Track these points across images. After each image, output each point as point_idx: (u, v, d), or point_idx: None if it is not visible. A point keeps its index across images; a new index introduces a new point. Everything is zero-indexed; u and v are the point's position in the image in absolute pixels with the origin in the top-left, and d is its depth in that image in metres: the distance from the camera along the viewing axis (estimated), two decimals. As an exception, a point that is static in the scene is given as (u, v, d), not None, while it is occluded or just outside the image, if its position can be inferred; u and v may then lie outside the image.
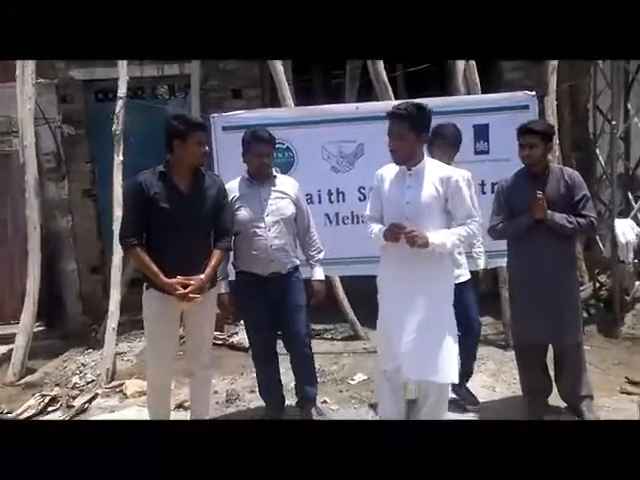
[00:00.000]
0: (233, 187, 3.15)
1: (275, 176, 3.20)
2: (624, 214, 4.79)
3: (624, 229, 4.61)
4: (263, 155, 3.08)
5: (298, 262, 3.23)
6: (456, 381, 2.75)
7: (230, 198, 3.08)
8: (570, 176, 3.00)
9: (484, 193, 4.16)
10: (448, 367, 2.66)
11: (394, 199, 2.70)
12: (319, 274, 3.28)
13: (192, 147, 2.72)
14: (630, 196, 4.98)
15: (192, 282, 2.74)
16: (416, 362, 2.63)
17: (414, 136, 2.61)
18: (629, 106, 5.01)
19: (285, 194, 3.16)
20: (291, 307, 3.18)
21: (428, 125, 2.68)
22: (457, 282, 3.17)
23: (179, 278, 2.73)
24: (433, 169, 2.69)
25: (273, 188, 3.16)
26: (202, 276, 2.79)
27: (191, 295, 2.73)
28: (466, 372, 3.43)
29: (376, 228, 2.75)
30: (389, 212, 2.73)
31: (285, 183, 3.22)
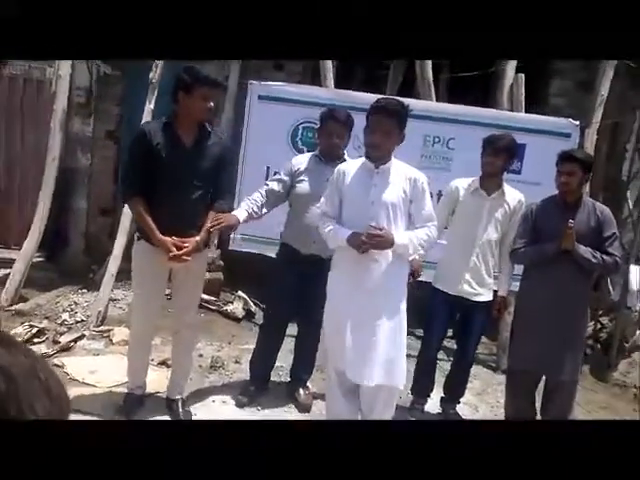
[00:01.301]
0: (302, 160, 3.14)
1: (345, 160, 3.12)
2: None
3: (638, 276, 4.54)
4: (334, 135, 3.03)
5: None
6: (401, 387, 2.69)
7: (295, 170, 3.07)
8: (602, 211, 2.94)
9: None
10: (398, 371, 2.60)
11: (358, 197, 2.61)
12: None
13: (197, 101, 2.63)
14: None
15: (186, 245, 2.68)
16: (365, 365, 2.56)
17: (397, 133, 2.56)
18: (668, 154, 4.90)
19: None
20: (318, 292, 3.09)
21: (405, 126, 2.61)
22: (475, 300, 3.15)
23: (174, 239, 2.67)
24: (400, 169, 2.63)
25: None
26: (197, 238, 2.73)
27: (184, 257, 2.69)
28: (457, 396, 3.41)
29: (336, 228, 2.63)
30: (351, 210, 2.63)
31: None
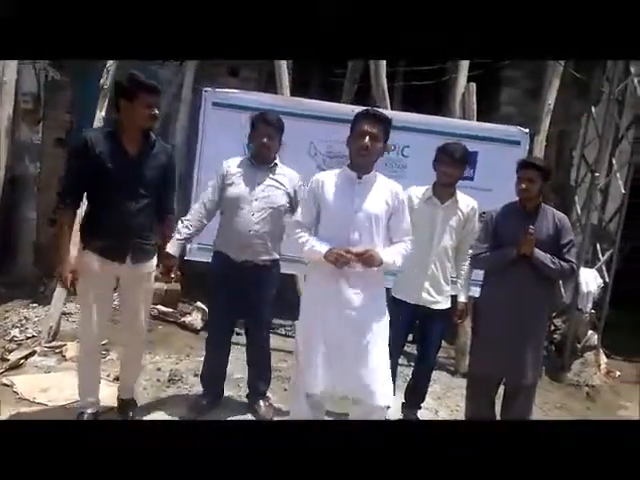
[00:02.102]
0: (233, 164, 3.09)
1: (276, 164, 3.10)
2: (590, 264, 4.88)
3: (588, 279, 4.69)
4: (265, 137, 3.00)
5: (277, 256, 3.15)
6: (391, 404, 2.65)
7: (225, 173, 3.04)
8: (560, 219, 3.01)
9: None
10: (384, 389, 2.57)
11: (340, 207, 2.56)
12: None
13: (139, 109, 2.59)
14: (598, 248, 5.07)
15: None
16: (352, 382, 2.54)
17: (383, 142, 2.57)
18: (614, 161, 5.10)
19: (281, 184, 3.08)
20: (257, 299, 3.11)
21: (388, 138, 2.63)
22: (434, 308, 3.17)
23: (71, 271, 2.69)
24: (381, 181, 2.63)
25: (271, 175, 3.07)
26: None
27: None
28: (418, 401, 3.43)
29: (313, 241, 2.57)
30: (332, 220, 2.58)
31: (285, 174, 3.12)
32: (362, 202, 2.55)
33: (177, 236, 3.02)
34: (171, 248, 3.01)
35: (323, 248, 2.52)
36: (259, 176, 3.05)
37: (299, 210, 2.73)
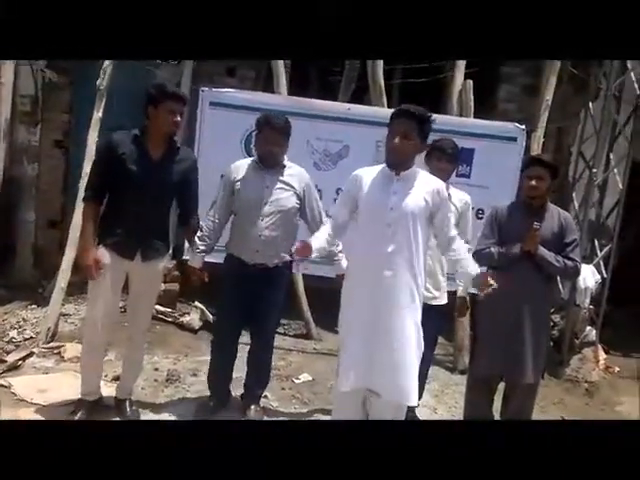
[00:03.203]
0: (240, 167, 3.08)
1: (284, 165, 3.08)
2: (588, 260, 4.87)
3: (585, 274, 4.68)
4: (272, 144, 2.99)
5: (289, 258, 3.13)
6: (415, 403, 2.64)
7: (233, 178, 3.06)
8: (565, 218, 3.01)
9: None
10: (413, 389, 2.54)
11: (376, 203, 2.54)
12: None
13: (164, 115, 2.75)
14: (596, 243, 5.07)
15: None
16: (383, 380, 2.51)
17: (418, 140, 2.52)
18: (611, 157, 5.09)
19: (290, 186, 3.06)
20: (266, 303, 3.10)
21: (428, 135, 2.59)
22: (432, 303, 3.14)
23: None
24: (422, 179, 2.58)
25: (279, 177, 3.05)
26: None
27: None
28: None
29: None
30: (369, 217, 2.57)
31: (293, 175, 3.10)
32: (399, 199, 2.50)
33: (196, 249, 3.08)
34: (192, 261, 3.13)
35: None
36: (268, 179, 3.03)
37: (337, 206, 2.72)
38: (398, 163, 2.53)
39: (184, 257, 4.44)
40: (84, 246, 2.87)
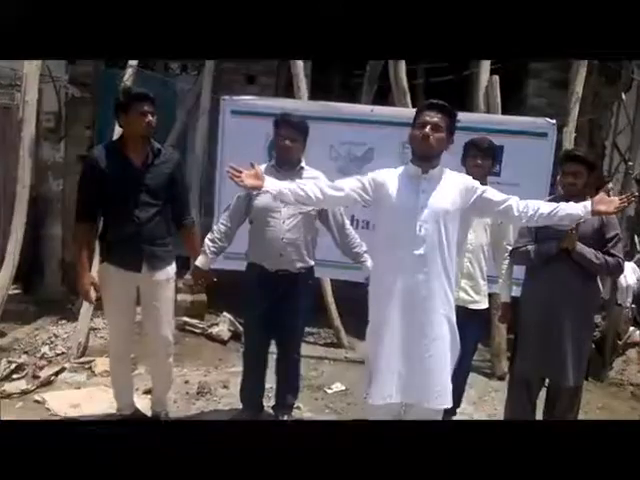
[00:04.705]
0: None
1: (303, 167, 3.03)
2: (628, 257, 4.67)
3: (626, 272, 4.49)
4: (287, 139, 2.94)
5: (312, 263, 3.07)
6: (449, 405, 2.51)
7: None
8: None
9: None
10: (447, 392, 2.45)
11: (405, 204, 2.42)
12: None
13: (135, 118, 2.72)
14: (636, 239, 4.88)
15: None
16: (418, 390, 2.41)
17: (447, 134, 2.43)
18: (647, 148, 4.89)
19: None
20: (293, 310, 3.03)
21: (454, 132, 2.49)
22: (472, 307, 3.06)
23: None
24: (450, 177, 2.48)
25: (297, 179, 2.97)
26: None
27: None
28: (453, 406, 3.30)
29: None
30: (395, 217, 2.44)
31: (312, 177, 3.01)
32: (428, 197, 2.41)
33: (206, 250, 3.02)
34: (200, 261, 3.02)
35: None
36: (285, 182, 2.98)
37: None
38: (428, 155, 2.42)
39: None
40: (79, 272, 2.84)
